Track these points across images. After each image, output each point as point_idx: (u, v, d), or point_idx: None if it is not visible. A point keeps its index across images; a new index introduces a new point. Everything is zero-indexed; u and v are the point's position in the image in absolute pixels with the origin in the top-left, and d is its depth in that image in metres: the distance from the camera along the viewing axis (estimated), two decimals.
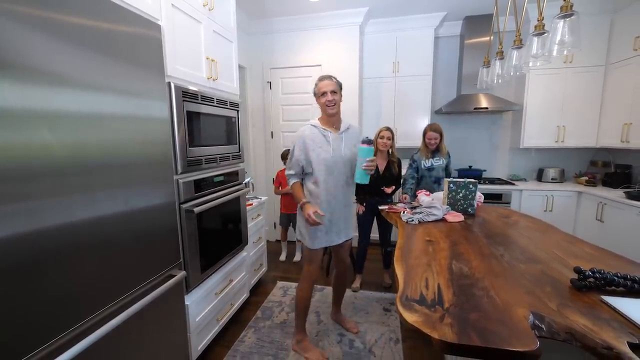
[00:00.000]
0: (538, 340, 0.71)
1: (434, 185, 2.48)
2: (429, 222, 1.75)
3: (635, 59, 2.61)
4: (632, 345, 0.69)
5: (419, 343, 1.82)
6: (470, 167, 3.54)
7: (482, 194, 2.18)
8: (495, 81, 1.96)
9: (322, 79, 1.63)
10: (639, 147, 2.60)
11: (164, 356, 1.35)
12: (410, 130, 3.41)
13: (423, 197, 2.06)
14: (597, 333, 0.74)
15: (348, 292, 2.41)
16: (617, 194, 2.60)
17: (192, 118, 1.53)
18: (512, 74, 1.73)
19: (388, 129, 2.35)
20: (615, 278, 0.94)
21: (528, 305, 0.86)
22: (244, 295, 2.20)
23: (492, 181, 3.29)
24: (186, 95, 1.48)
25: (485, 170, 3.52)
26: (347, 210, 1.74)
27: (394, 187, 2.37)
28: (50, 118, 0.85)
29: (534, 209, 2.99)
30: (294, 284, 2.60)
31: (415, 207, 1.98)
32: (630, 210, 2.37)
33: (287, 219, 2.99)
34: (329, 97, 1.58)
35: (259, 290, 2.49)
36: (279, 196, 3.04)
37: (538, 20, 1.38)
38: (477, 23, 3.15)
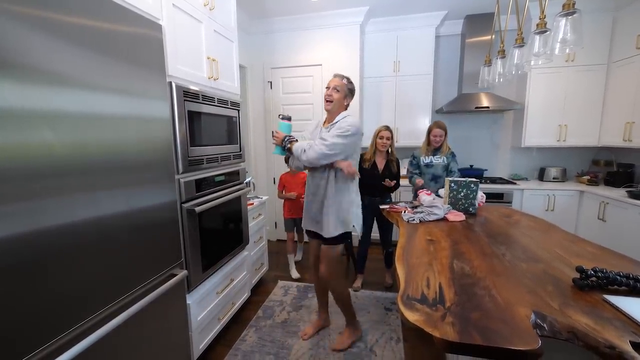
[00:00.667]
0: (540, 339, 0.71)
1: (430, 182, 2.47)
2: (430, 221, 1.75)
3: (637, 57, 2.60)
4: (634, 345, 0.69)
5: (420, 342, 1.81)
6: (471, 166, 3.53)
7: (484, 193, 2.18)
8: (496, 80, 1.96)
9: (334, 75, 1.70)
10: None
11: (165, 355, 1.36)
12: (411, 130, 3.41)
13: (424, 196, 2.06)
14: (599, 332, 0.73)
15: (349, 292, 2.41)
16: (620, 193, 2.59)
17: (193, 118, 1.53)
18: (513, 72, 1.72)
19: (387, 128, 2.34)
20: (618, 277, 0.94)
21: (530, 305, 0.86)
22: (245, 295, 2.20)
23: (494, 180, 3.28)
24: (187, 94, 1.48)
25: (486, 170, 3.51)
26: (320, 204, 1.68)
27: (394, 181, 2.36)
28: (51, 118, 0.85)
29: (535, 208, 2.98)
30: (295, 284, 2.60)
31: (416, 207, 1.98)
32: (633, 209, 2.36)
33: (293, 224, 2.83)
34: (328, 92, 1.65)
35: (260, 290, 2.49)
36: (282, 201, 2.88)
37: (540, 19, 1.37)
38: (478, 22, 3.14)
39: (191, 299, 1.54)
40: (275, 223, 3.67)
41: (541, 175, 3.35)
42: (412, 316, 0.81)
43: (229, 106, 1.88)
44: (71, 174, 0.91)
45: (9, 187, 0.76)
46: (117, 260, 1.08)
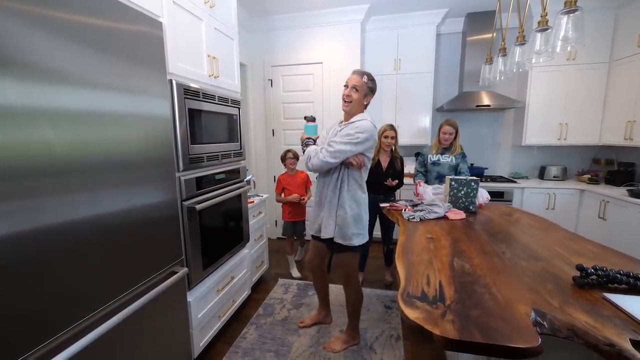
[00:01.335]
0: (540, 337, 0.71)
1: (434, 181, 2.45)
2: (430, 219, 1.75)
3: (639, 56, 2.59)
4: (634, 342, 0.69)
5: (420, 340, 1.82)
6: (472, 164, 3.52)
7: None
8: (497, 78, 1.95)
9: (353, 72, 1.57)
10: None
11: (166, 352, 1.36)
12: (412, 128, 3.40)
13: (424, 187, 2.06)
14: (599, 330, 0.73)
15: None
16: (620, 192, 2.59)
17: (193, 115, 1.53)
18: (514, 70, 1.72)
19: (392, 127, 2.34)
20: (618, 275, 0.94)
21: (530, 302, 0.86)
22: (246, 292, 2.21)
23: (494, 179, 3.28)
24: (188, 92, 1.48)
25: (487, 168, 3.51)
26: (330, 208, 1.61)
27: (397, 180, 2.35)
28: (51, 116, 0.85)
29: (535, 206, 2.98)
30: (295, 282, 2.61)
31: (416, 205, 1.98)
32: (633, 208, 2.35)
33: (293, 228, 2.75)
34: (347, 91, 1.54)
35: (260, 288, 2.50)
36: (281, 205, 2.80)
37: (541, 16, 1.36)
38: (479, 20, 3.13)
39: (192, 297, 1.54)
40: (276, 221, 3.67)
41: (542, 174, 3.35)
42: (412, 314, 0.81)
43: (229, 104, 1.88)
44: (71, 172, 0.91)
45: (10, 185, 0.76)
46: (118, 258, 1.09)
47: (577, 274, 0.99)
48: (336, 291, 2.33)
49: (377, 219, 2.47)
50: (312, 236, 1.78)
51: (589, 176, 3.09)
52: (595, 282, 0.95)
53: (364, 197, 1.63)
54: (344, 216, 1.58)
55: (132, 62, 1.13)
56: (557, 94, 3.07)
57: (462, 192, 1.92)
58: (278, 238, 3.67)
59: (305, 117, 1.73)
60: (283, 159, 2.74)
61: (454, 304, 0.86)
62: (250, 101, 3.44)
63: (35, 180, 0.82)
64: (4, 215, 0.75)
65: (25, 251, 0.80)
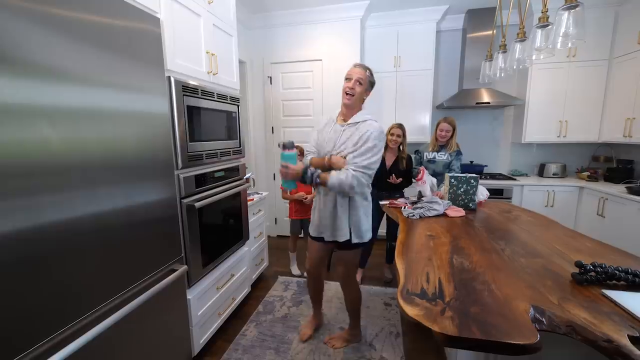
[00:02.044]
0: (539, 333, 0.71)
1: None
2: (430, 217, 1.75)
3: (639, 53, 2.58)
4: (632, 339, 0.69)
5: (420, 337, 1.83)
6: (471, 162, 3.53)
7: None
8: (497, 75, 1.94)
9: (355, 65, 1.53)
10: None
11: (166, 350, 1.37)
12: (412, 125, 3.39)
13: (427, 176, 2.07)
14: (597, 326, 0.74)
15: None
16: (619, 189, 2.59)
17: (192, 113, 1.52)
18: (515, 67, 1.71)
19: (399, 126, 2.33)
20: (616, 272, 0.94)
21: (529, 299, 0.86)
22: (246, 290, 2.21)
23: (494, 176, 3.28)
24: (186, 89, 1.47)
25: (486, 166, 3.51)
26: (335, 210, 1.55)
27: (401, 179, 2.34)
28: (49, 113, 0.85)
29: (535, 204, 2.98)
30: (295, 279, 2.61)
31: (416, 202, 1.98)
32: (632, 205, 2.36)
33: (299, 226, 2.69)
34: (350, 84, 1.48)
35: (260, 285, 2.50)
36: (287, 201, 2.73)
37: (542, 12, 1.36)
38: (479, 16, 3.11)
39: (191, 294, 1.54)
40: (275, 219, 3.67)
41: (541, 171, 3.35)
42: (411, 311, 0.81)
43: (228, 101, 1.87)
44: (69, 170, 0.91)
45: (8, 183, 0.76)
46: (117, 256, 1.09)
47: (576, 270, 0.99)
48: (335, 287, 2.33)
49: (385, 216, 2.46)
50: (313, 238, 1.68)
51: (588, 173, 3.10)
52: (594, 278, 0.95)
53: (368, 191, 1.61)
54: (359, 215, 1.56)
55: (130, 59, 1.12)
56: (557, 92, 3.06)
57: (462, 190, 1.92)
58: (278, 236, 3.68)
59: (281, 144, 1.46)
60: None
61: (453, 301, 0.86)
62: (250, 98, 3.43)
63: (33, 179, 0.81)
64: (3, 213, 0.75)
65: (23, 249, 0.80)
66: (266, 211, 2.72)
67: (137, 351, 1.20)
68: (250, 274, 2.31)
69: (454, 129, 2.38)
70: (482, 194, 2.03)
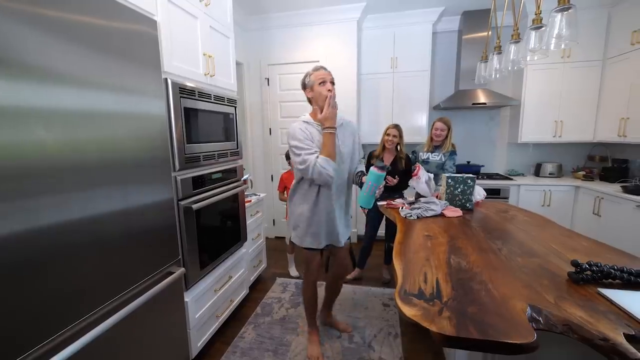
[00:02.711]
0: (535, 332, 0.72)
1: None
2: (427, 217, 1.76)
3: (632, 53, 2.61)
4: (628, 337, 0.70)
5: (418, 337, 1.83)
6: (468, 162, 3.54)
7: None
8: (493, 76, 1.96)
9: (317, 68, 1.55)
10: (636, 142, 2.62)
11: (164, 353, 1.36)
12: (409, 126, 3.39)
13: (423, 172, 2.07)
14: (593, 325, 0.74)
15: (348, 288, 2.42)
16: (614, 188, 2.62)
17: (189, 114, 1.52)
18: (510, 68, 1.73)
19: (396, 126, 2.34)
20: (612, 271, 0.95)
21: (526, 299, 0.87)
22: (244, 292, 2.20)
23: (491, 176, 3.30)
24: (183, 91, 1.47)
25: (483, 166, 3.53)
26: (346, 209, 1.68)
27: (397, 178, 2.34)
28: (44, 115, 0.84)
29: (531, 203, 3.00)
30: (294, 281, 2.61)
31: (413, 203, 1.99)
32: (627, 204, 2.38)
33: None
34: (330, 86, 1.49)
35: (258, 287, 2.50)
36: (284, 204, 2.69)
37: (536, 14, 1.37)
38: (475, 18, 3.14)
39: (189, 297, 1.53)
40: (273, 220, 3.67)
41: (537, 171, 3.38)
42: (409, 311, 0.82)
43: (225, 103, 1.87)
44: (65, 172, 0.91)
45: (3, 185, 0.75)
46: (114, 258, 1.08)
47: (572, 269, 1.00)
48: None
49: (384, 217, 2.46)
50: (311, 249, 1.62)
51: (583, 173, 3.13)
52: (590, 277, 0.96)
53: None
54: (350, 214, 1.66)
55: (127, 60, 1.12)
56: (552, 92, 3.09)
57: (459, 190, 1.93)
58: (276, 237, 3.67)
59: (378, 166, 1.41)
60: (288, 155, 2.68)
61: (451, 300, 0.86)
62: (247, 100, 3.43)
63: (30, 181, 0.81)
64: None
65: (19, 252, 0.79)
66: (264, 213, 2.71)
67: (135, 354, 1.19)
68: (248, 276, 2.30)
69: (449, 129, 2.40)
70: (479, 194, 2.04)
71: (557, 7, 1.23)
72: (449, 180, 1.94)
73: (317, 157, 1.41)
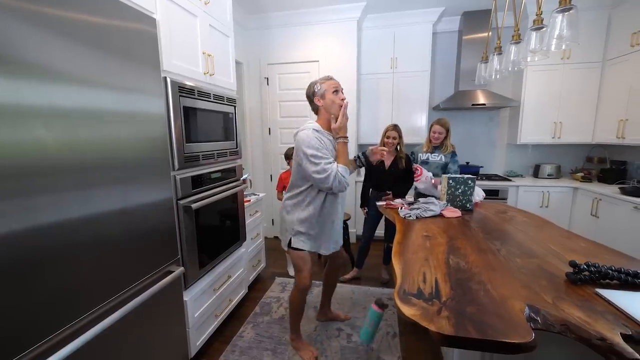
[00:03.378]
0: (533, 332, 0.72)
1: None
2: (426, 217, 1.76)
3: (632, 55, 2.62)
4: (625, 337, 0.70)
5: (417, 336, 1.84)
6: (467, 163, 3.55)
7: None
8: (493, 76, 1.96)
9: (329, 78, 1.55)
10: (635, 143, 2.63)
11: (163, 352, 1.36)
12: (408, 127, 3.40)
13: (425, 172, 2.08)
14: (591, 325, 0.75)
15: (347, 287, 2.43)
16: (612, 189, 2.62)
17: (188, 114, 1.51)
18: (510, 69, 1.73)
19: (395, 128, 2.34)
20: (610, 271, 0.95)
21: (524, 299, 0.87)
22: (243, 291, 2.20)
23: (490, 177, 3.31)
24: (182, 90, 1.46)
25: (482, 167, 3.54)
26: (342, 215, 1.72)
27: (390, 194, 2.35)
28: (43, 114, 0.84)
29: (530, 204, 3.01)
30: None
31: (412, 203, 1.99)
32: (625, 205, 2.39)
33: None
34: (343, 95, 1.50)
35: (257, 286, 2.50)
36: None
37: (537, 15, 1.37)
38: (475, 18, 3.14)
39: (188, 296, 1.53)
40: (272, 220, 3.67)
41: (536, 172, 3.38)
42: (408, 311, 0.82)
43: (225, 102, 1.87)
44: (65, 171, 0.90)
45: (2, 184, 0.75)
46: (114, 257, 1.08)
47: (571, 270, 1.00)
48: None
49: (383, 217, 2.46)
50: (319, 255, 1.74)
51: (582, 174, 3.13)
52: (588, 278, 0.96)
53: None
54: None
55: (126, 59, 1.11)
56: (552, 93, 3.10)
57: (460, 191, 1.93)
58: (275, 237, 3.67)
59: (380, 304, 1.50)
60: (288, 156, 2.62)
61: (450, 300, 0.86)
62: (247, 99, 3.42)
63: (29, 180, 0.81)
64: None
65: (18, 251, 0.79)
66: (263, 212, 2.71)
67: (134, 353, 1.19)
68: (247, 275, 2.30)
69: (447, 131, 2.40)
70: (478, 195, 2.04)
71: (558, 7, 1.23)
72: (450, 181, 1.94)
73: (338, 166, 1.44)
